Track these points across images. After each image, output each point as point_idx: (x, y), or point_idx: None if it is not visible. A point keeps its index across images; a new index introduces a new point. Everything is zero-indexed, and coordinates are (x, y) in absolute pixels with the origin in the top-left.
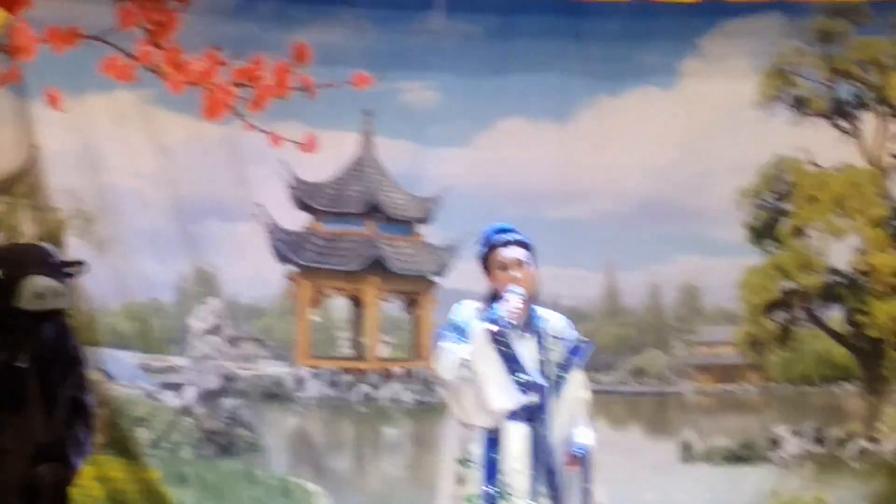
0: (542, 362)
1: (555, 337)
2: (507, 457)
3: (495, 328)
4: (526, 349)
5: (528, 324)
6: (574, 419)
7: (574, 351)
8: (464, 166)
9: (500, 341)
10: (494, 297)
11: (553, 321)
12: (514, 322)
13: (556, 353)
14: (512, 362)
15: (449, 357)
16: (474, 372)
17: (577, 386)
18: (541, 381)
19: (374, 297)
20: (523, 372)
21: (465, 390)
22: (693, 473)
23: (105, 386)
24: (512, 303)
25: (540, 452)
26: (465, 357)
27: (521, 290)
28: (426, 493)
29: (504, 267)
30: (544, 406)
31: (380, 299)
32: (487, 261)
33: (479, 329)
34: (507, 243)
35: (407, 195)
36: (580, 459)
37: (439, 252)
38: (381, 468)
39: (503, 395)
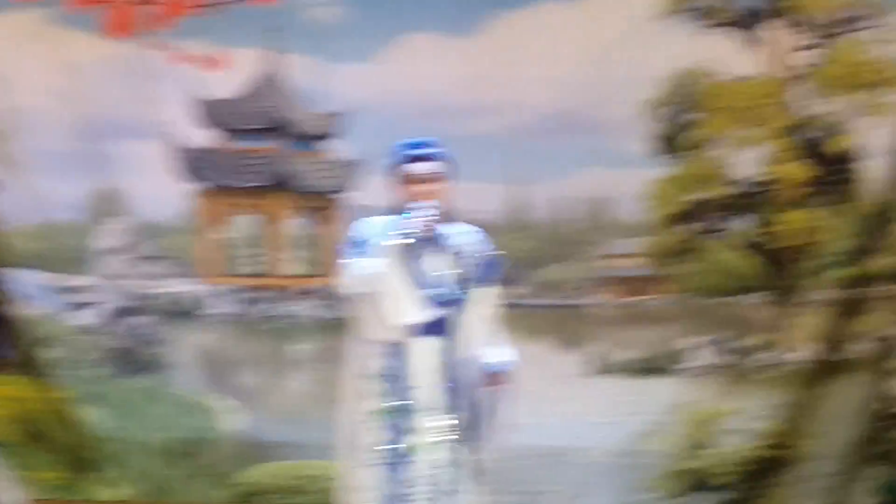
0: (452, 276)
1: (467, 251)
2: (413, 372)
3: (404, 241)
4: (436, 263)
5: (440, 237)
6: (489, 335)
7: (487, 265)
8: (370, 82)
9: (408, 255)
10: (401, 210)
11: (466, 235)
12: (423, 235)
13: (469, 267)
14: (420, 277)
15: (355, 270)
16: (382, 285)
17: (489, 300)
18: (449, 295)
19: (282, 213)
20: (432, 286)
21: (371, 304)
22: (602, 386)
23: (14, 305)
24: (421, 216)
25: (448, 367)
26: (372, 270)
27: (430, 203)
28: (334, 408)
29: (413, 181)
30: (453, 320)
31: (288, 216)
32: (397, 174)
33: (388, 242)
34: (418, 157)
35: (314, 111)
36: (497, 377)
37: (347, 168)
38: (289, 384)
39: (410, 309)
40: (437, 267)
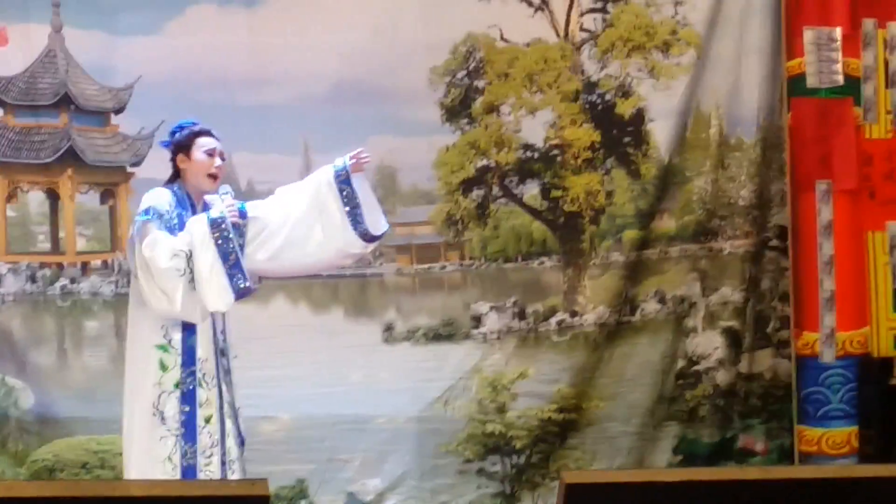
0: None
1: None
2: (203, 344)
3: (216, 230)
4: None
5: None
6: None
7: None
8: (155, 54)
9: (220, 241)
10: (179, 176)
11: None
12: (234, 220)
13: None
14: (231, 262)
15: (164, 246)
16: (191, 267)
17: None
18: (251, 284)
19: (69, 189)
20: (241, 273)
21: (178, 282)
22: (396, 353)
23: None
24: (228, 202)
25: (217, 337)
26: (182, 249)
27: (227, 187)
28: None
29: (210, 153)
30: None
31: (75, 191)
32: (183, 147)
33: (199, 225)
34: (205, 132)
35: (99, 85)
36: None
37: (134, 142)
38: (83, 361)
39: (219, 296)
40: (236, 249)
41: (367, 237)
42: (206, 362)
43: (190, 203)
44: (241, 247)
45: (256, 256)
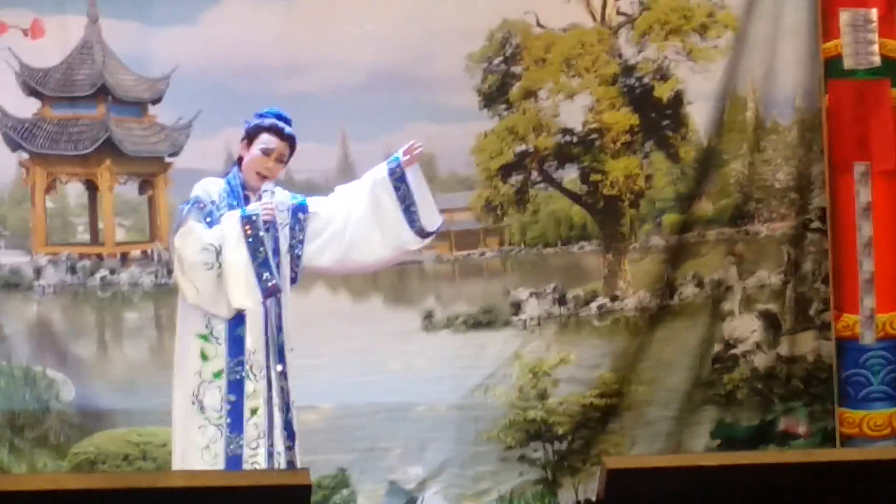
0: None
1: (282, 209)
2: (249, 335)
3: (248, 227)
4: (273, 243)
5: (276, 220)
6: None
7: (298, 208)
8: (192, 45)
9: (251, 238)
10: (241, 178)
11: (278, 195)
12: (268, 219)
13: (288, 223)
14: (260, 260)
15: (195, 239)
16: (221, 262)
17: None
18: (279, 282)
19: (107, 180)
20: (269, 272)
21: (206, 276)
22: (436, 341)
23: None
24: (268, 202)
25: (272, 330)
26: (212, 243)
27: (271, 184)
28: (170, 374)
29: (267, 153)
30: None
31: (114, 182)
32: (248, 136)
33: (232, 220)
34: (277, 129)
35: (136, 76)
36: None
37: (171, 132)
38: (123, 352)
39: (246, 293)
40: (274, 247)
41: (423, 234)
42: (256, 353)
43: (243, 194)
44: (301, 242)
45: (321, 260)
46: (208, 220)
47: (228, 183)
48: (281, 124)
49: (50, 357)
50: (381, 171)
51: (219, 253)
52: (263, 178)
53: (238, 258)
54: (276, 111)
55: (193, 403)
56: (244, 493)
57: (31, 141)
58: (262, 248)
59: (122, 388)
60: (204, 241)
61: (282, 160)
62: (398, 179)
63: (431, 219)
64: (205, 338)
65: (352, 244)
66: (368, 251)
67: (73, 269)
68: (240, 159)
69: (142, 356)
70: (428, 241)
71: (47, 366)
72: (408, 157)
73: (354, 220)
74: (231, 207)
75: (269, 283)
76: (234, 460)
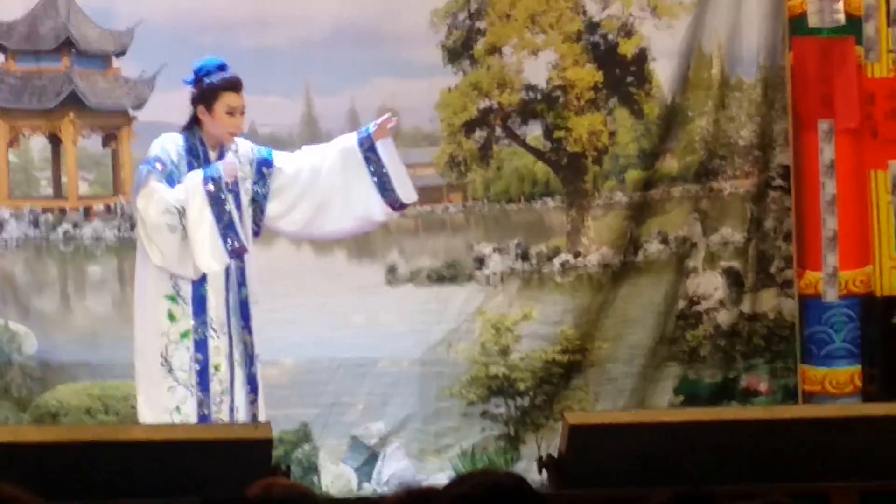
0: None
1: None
2: (211, 294)
3: (212, 187)
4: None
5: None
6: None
7: (262, 162)
8: None
9: (214, 200)
10: (196, 124)
11: (241, 147)
12: (230, 181)
13: (250, 176)
14: (224, 223)
15: (157, 200)
16: (184, 224)
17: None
18: (245, 244)
19: (71, 134)
20: (235, 234)
21: (170, 238)
22: (399, 295)
23: None
24: (230, 162)
25: (233, 286)
26: (174, 205)
27: (235, 144)
28: (133, 329)
29: (231, 112)
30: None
31: (78, 136)
32: (206, 99)
33: (195, 182)
34: (233, 86)
35: (101, 29)
36: None
37: (136, 85)
38: (86, 306)
39: (212, 256)
40: (236, 202)
41: (396, 205)
42: (218, 310)
43: (203, 151)
44: (265, 197)
45: (287, 222)
46: (169, 179)
47: (187, 140)
48: (232, 78)
49: (12, 310)
50: (350, 139)
51: (182, 215)
52: (234, 135)
53: (203, 221)
54: (214, 62)
55: (162, 365)
56: (206, 446)
57: None
58: (226, 210)
59: (84, 342)
60: (167, 202)
61: (244, 111)
62: (369, 150)
63: (407, 191)
64: (172, 299)
65: (317, 212)
66: (333, 220)
67: (35, 223)
68: (196, 118)
69: (105, 310)
70: (399, 213)
71: (9, 319)
72: (376, 129)
73: (324, 187)
74: (191, 166)
75: (235, 245)
76: (203, 419)
